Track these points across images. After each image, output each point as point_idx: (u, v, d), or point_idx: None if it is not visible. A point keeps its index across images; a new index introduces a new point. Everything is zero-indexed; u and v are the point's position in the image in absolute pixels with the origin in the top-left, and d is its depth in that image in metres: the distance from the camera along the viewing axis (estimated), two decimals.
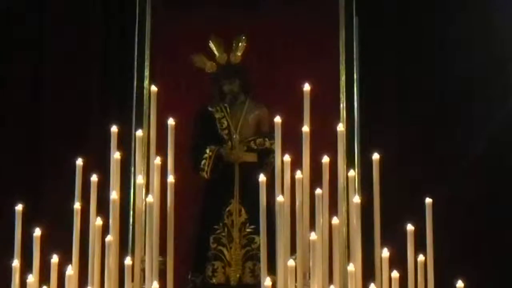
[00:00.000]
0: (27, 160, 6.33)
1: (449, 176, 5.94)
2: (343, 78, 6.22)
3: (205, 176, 6.21)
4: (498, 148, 6.22)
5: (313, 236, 5.02)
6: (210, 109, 6.30)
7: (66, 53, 6.51)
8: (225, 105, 6.31)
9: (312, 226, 5.13)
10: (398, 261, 5.10)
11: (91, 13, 6.53)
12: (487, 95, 6.29)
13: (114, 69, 6.40)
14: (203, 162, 6.17)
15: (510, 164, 6.18)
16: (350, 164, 5.49)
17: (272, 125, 5.41)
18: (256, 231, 5.71)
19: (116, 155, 5.27)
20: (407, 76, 6.30)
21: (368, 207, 5.23)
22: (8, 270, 5.06)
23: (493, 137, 6.20)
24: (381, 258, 5.14)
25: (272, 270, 5.08)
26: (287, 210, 5.17)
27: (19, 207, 5.12)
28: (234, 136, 6.24)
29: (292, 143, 5.25)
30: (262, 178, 5.19)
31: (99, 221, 5.18)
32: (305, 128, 5.21)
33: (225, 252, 6.11)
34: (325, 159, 5.21)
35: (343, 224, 5.22)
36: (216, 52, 6.30)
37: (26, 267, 5.05)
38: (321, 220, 5.15)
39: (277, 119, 5.25)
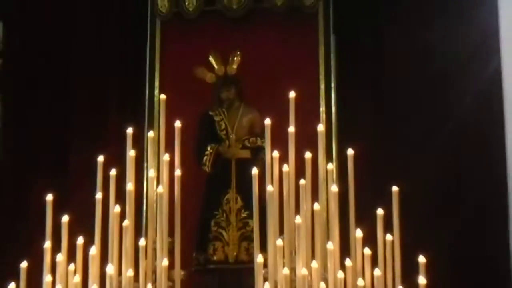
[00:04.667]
0: (58, 158, 6.41)
1: (412, 169, 5.96)
2: (322, 87, 6.31)
3: (207, 169, 6.33)
4: (454, 144, 6.28)
5: (298, 220, 5.09)
6: (210, 113, 6.41)
7: (91, 68, 6.60)
8: (223, 109, 6.42)
9: (297, 211, 5.18)
10: (369, 240, 5.16)
11: (111, 35, 6.60)
12: (446, 98, 6.34)
13: (130, 81, 6.48)
14: (204, 158, 6.28)
15: (461, 157, 6.26)
16: (328, 159, 5.53)
17: (263, 126, 5.46)
18: (250, 216, 5.82)
19: (131, 153, 5.32)
20: (376, 83, 6.36)
21: (344, 195, 5.29)
22: (41, 251, 5.15)
23: (450, 134, 6.26)
24: (355, 237, 5.19)
25: (263, 248, 5.12)
26: (276, 198, 5.19)
27: (49, 197, 5.21)
28: (231, 136, 6.34)
29: (280, 141, 5.28)
30: (254, 171, 5.24)
31: (117, 209, 5.22)
32: (291, 129, 5.25)
33: (224, 234, 6.20)
34: (308, 155, 5.26)
35: (323, 209, 5.24)
36: (215, 65, 6.40)
37: (55, 248, 5.11)
38: (305, 206, 5.20)
39: (267, 121, 5.30)
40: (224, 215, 6.26)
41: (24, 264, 5.18)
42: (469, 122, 6.30)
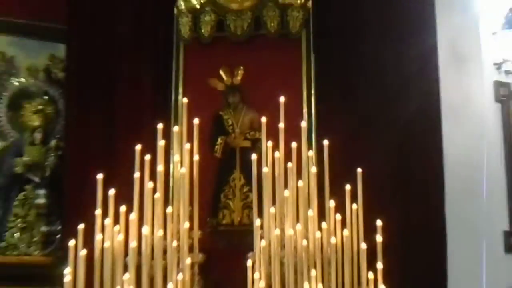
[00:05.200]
0: (107, 146, 6.35)
1: (372, 155, 5.93)
2: (304, 93, 6.18)
3: (218, 156, 6.23)
4: (402, 137, 6.25)
5: (286, 193, 5.09)
6: (220, 113, 6.31)
7: (132, 78, 6.52)
8: (230, 110, 6.32)
9: (286, 187, 5.16)
10: (340, 208, 5.12)
11: (149, 54, 6.53)
12: (396, 102, 6.25)
13: (161, 88, 6.37)
14: (216, 147, 6.19)
15: (408, 146, 6.22)
16: (309, 148, 5.42)
17: (260, 123, 5.38)
18: (250, 190, 5.79)
19: (161, 143, 5.25)
20: (345, 91, 6.27)
21: (321, 175, 5.25)
22: (93, 217, 5.09)
23: (400, 129, 6.22)
24: (329, 207, 5.15)
25: (260, 215, 5.10)
26: (270, 177, 5.17)
27: (100, 176, 5.13)
28: (236, 130, 6.24)
29: (273, 134, 5.25)
30: (254, 156, 5.21)
31: (150, 185, 5.16)
32: (281, 125, 5.21)
33: (231, 203, 6.11)
34: (294, 144, 5.20)
35: (305, 185, 5.17)
36: (224, 77, 6.30)
37: (104, 214, 5.06)
38: (291, 183, 5.17)
39: (263, 119, 5.25)
40: (231, 189, 6.17)
41: (81, 226, 5.13)
42: (414, 120, 6.23)
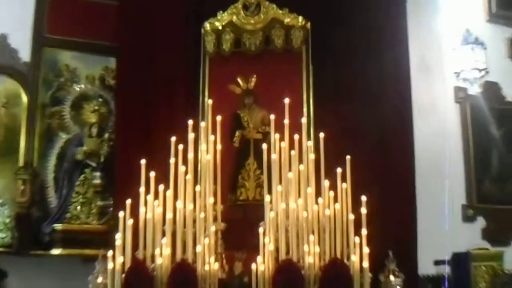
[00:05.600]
0: (149, 138, 6.25)
1: (358, 145, 5.87)
2: (304, 96, 6.15)
3: (236, 145, 6.18)
4: (381, 130, 6.18)
5: (290, 175, 5.08)
6: (238, 112, 6.26)
7: (170, 84, 6.46)
8: (246, 110, 6.27)
9: (290, 170, 5.15)
10: (333, 187, 5.13)
11: (183, 65, 6.45)
12: (377, 103, 6.18)
13: (192, 92, 6.32)
14: (234, 138, 6.15)
15: (384, 137, 6.16)
16: (308, 139, 5.41)
17: (269, 120, 5.41)
18: (261, 173, 5.65)
19: (191, 135, 5.26)
20: (336, 94, 6.22)
21: (317, 161, 5.23)
22: (137, 194, 5.12)
23: (378, 124, 6.15)
24: (324, 186, 5.14)
25: (269, 192, 5.09)
26: (277, 162, 5.16)
27: (143, 161, 5.14)
28: (250, 125, 6.20)
29: (279, 129, 5.24)
30: (264, 146, 5.22)
31: (183, 168, 5.18)
32: (286, 121, 5.21)
33: (246, 183, 6.08)
34: (296, 136, 5.20)
35: (305, 169, 5.16)
36: (241, 83, 6.25)
37: (147, 192, 5.09)
38: (294, 167, 5.16)
39: (272, 117, 5.26)
40: (246, 172, 6.13)
41: (128, 201, 5.15)
42: (391, 117, 6.19)
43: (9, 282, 3.23)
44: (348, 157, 5.22)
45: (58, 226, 6.38)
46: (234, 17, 6.27)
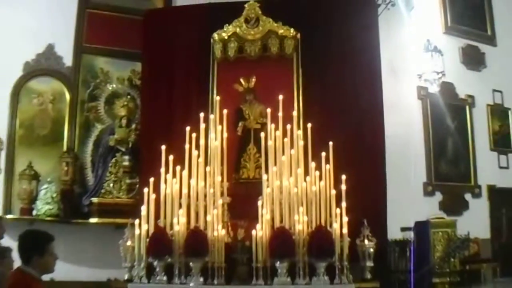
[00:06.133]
0: (167, 127, 6.11)
1: (339, 133, 5.71)
2: (295, 93, 6.00)
3: (239, 134, 6.04)
4: (358, 120, 6.03)
5: (283, 158, 5.08)
6: (241, 106, 6.12)
7: (185, 84, 6.33)
8: (247, 104, 6.12)
9: (283, 154, 5.12)
10: (318, 168, 5.10)
11: (196, 69, 6.33)
12: (356, 103, 6.01)
13: (203, 90, 6.17)
14: (238, 128, 6.01)
15: (367, 126, 6.00)
16: (298, 128, 5.37)
17: (266, 113, 5.37)
18: (260, 156, 5.58)
19: (202, 125, 5.24)
20: (322, 92, 6.08)
21: (305, 146, 5.20)
22: (159, 173, 5.09)
23: (355, 117, 5.99)
24: (311, 167, 5.12)
25: (266, 172, 5.08)
26: (273, 147, 5.15)
27: (163, 147, 5.12)
28: (251, 117, 6.06)
29: (274, 120, 5.20)
30: (262, 135, 5.20)
31: (195, 153, 5.16)
32: (280, 114, 5.18)
33: (247, 164, 5.96)
34: (288, 126, 5.18)
35: (296, 153, 5.13)
36: (243, 83, 6.12)
37: (166, 172, 5.08)
38: (286, 151, 5.14)
39: (268, 110, 5.23)
40: (247, 156, 5.99)
41: (151, 179, 5.16)
42: (366, 111, 6.00)
43: (56, 244, 3.30)
44: (330, 143, 5.17)
45: (95, 200, 6.36)
46: (238, 29, 6.16)
